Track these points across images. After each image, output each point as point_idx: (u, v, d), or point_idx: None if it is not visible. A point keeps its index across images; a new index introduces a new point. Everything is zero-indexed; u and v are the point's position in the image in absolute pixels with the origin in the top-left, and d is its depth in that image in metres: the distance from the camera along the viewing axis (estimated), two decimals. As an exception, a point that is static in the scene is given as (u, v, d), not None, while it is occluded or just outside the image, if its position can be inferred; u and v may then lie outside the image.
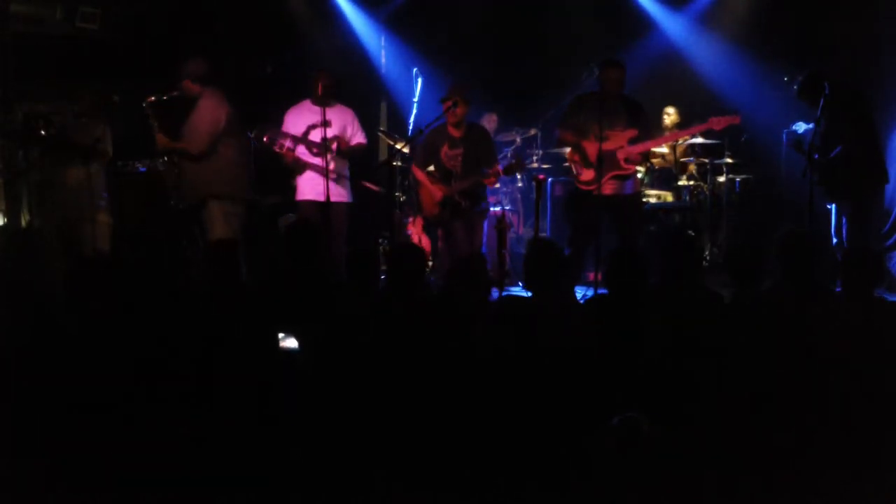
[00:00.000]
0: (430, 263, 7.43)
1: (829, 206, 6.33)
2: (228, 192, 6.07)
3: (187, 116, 6.11)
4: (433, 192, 6.44)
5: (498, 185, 8.06)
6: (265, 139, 6.35)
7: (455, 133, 6.36)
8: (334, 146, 6.32)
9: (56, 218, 6.37)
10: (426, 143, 6.47)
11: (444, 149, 6.38)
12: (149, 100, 6.06)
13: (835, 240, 6.27)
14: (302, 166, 6.40)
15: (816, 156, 6.02)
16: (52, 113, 6.66)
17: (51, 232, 6.35)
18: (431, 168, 6.47)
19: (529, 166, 8.33)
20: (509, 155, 8.03)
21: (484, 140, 6.47)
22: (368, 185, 7.57)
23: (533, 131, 8.37)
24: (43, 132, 6.37)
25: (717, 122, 6.14)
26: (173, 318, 3.75)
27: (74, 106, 6.50)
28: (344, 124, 6.48)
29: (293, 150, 6.38)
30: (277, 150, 6.40)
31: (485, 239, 6.88)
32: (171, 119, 6.15)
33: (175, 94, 6.09)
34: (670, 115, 8.26)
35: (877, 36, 7.61)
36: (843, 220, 6.20)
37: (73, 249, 6.18)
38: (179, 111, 6.13)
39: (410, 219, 7.44)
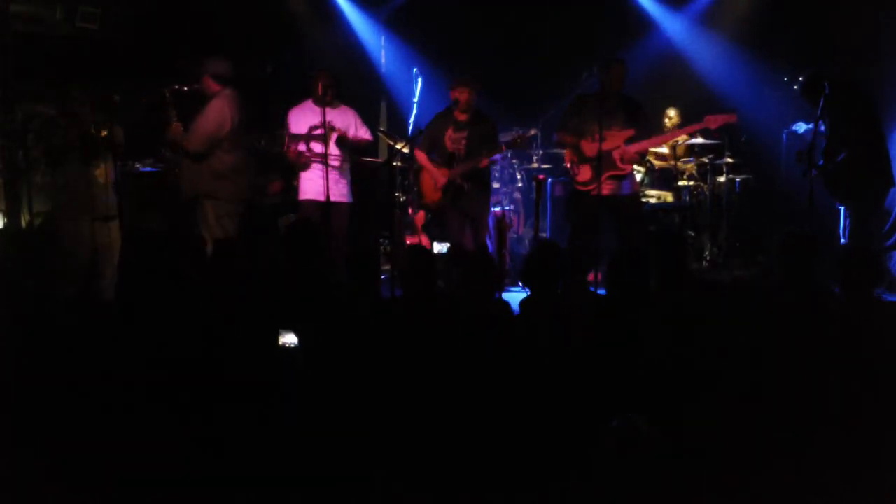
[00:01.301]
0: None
1: (839, 207, 6.32)
2: (222, 194, 6.05)
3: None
4: (435, 176, 6.44)
5: (498, 186, 8.07)
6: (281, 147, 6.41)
7: (461, 117, 6.40)
8: (334, 136, 6.32)
9: (62, 217, 6.33)
10: (432, 127, 6.50)
11: (449, 132, 6.41)
12: (171, 88, 6.01)
13: (843, 240, 6.26)
14: (305, 162, 6.40)
15: (821, 162, 6.01)
16: (58, 114, 6.65)
17: (57, 231, 6.31)
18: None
19: (529, 166, 8.33)
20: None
21: (489, 127, 6.50)
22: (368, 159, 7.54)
23: (533, 131, 8.37)
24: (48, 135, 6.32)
25: (713, 121, 6.15)
26: (173, 317, 3.75)
27: (81, 107, 6.49)
28: (347, 125, 6.49)
29: (296, 148, 6.40)
30: (278, 149, 6.43)
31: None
32: (189, 110, 6.11)
33: (196, 86, 6.05)
34: (671, 119, 8.26)
35: (877, 36, 7.61)
36: (848, 221, 6.20)
37: (79, 248, 6.15)
38: (198, 104, 6.09)
39: (412, 216, 7.43)
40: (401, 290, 4.31)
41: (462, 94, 6.29)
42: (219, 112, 5.97)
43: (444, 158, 6.44)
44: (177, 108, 6.02)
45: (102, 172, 6.10)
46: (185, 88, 6.04)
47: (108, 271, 5.84)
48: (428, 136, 6.51)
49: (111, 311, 3.70)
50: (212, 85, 6.02)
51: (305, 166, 6.43)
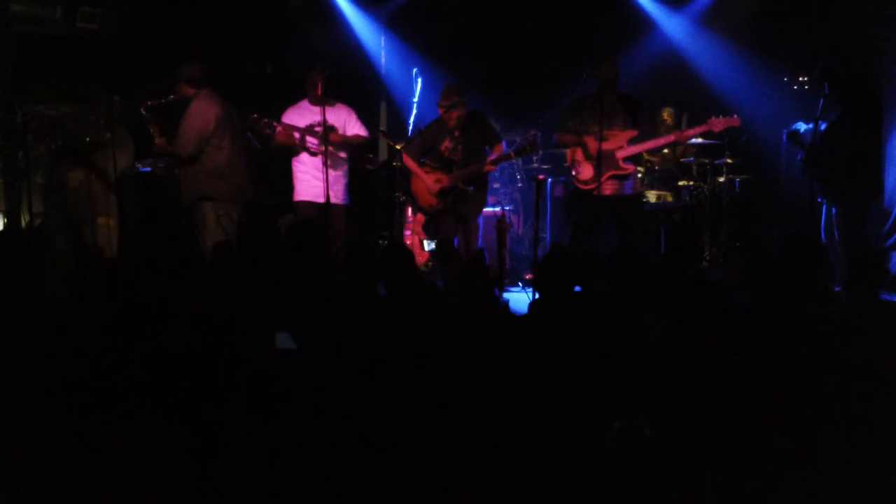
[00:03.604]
0: (430, 264, 7.43)
1: (820, 201, 6.29)
2: (219, 194, 6.06)
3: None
4: (427, 182, 6.43)
5: (498, 186, 8.08)
6: (257, 125, 6.40)
7: (455, 130, 6.39)
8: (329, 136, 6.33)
9: (60, 217, 6.40)
10: (425, 137, 6.48)
11: (446, 143, 6.41)
12: (147, 104, 6.07)
13: (823, 237, 6.25)
14: (299, 148, 6.40)
15: (817, 152, 6.02)
16: (58, 114, 6.67)
17: (56, 232, 6.36)
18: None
19: (529, 166, 8.33)
20: (518, 140, 8.03)
21: (481, 124, 6.50)
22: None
23: (533, 131, 8.36)
24: (48, 136, 6.41)
25: (717, 124, 6.15)
26: (172, 317, 3.75)
27: (82, 108, 6.54)
28: (342, 123, 6.49)
29: (290, 135, 6.39)
30: (269, 131, 6.42)
31: (480, 238, 6.87)
32: (170, 122, 6.15)
33: (172, 97, 6.11)
34: (664, 119, 8.25)
35: (877, 36, 7.61)
36: (834, 220, 6.20)
37: (77, 249, 6.20)
38: (178, 114, 6.14)
39: (410, 219, 7.42)
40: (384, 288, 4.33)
41: (449, 107, 6.28)
42: (199, 111, 6.03)
43: (441, 164, 6.42)
44: (158, 123, 6.08)
45: (77, 175, 6.17)
46: (162, 101, 6.11)
47: (88, 271, 5.89)
48: (420, 144, 6.50)
49: (105, 311, 3.69)
50: (187, 90, 6.09)
51: (295, 151, 6.43)
